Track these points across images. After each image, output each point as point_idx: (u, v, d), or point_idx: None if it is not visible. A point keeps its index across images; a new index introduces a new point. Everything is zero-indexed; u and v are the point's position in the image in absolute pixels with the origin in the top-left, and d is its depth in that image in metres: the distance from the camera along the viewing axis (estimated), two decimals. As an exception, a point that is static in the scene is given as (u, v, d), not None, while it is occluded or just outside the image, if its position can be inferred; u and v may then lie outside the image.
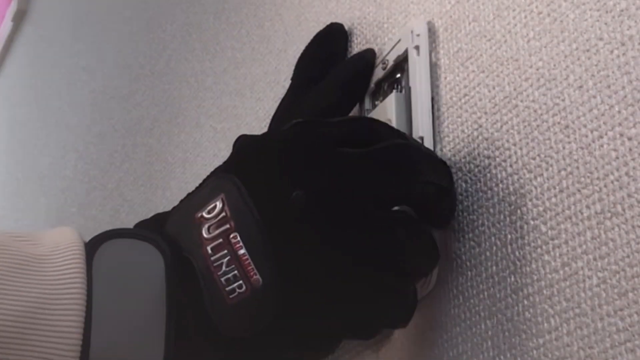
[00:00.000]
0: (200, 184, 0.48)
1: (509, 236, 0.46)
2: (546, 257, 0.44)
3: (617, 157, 0.41)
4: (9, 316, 0.41)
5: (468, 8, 0.53)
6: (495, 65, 0.50)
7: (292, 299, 0.44)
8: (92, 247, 0.44)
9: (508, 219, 0.47)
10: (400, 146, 0.48)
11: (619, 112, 0.41)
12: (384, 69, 0.57)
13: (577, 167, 0.43)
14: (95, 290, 0.43)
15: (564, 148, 0.44)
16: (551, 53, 0.46)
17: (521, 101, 0.47)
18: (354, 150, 0.47)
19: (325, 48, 0.62)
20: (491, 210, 0.48)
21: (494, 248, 0.47)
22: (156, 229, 0.47)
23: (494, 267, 0.47)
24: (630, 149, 0.40)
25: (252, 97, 0.76)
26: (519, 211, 0.46)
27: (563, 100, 0.45)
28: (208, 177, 0.48)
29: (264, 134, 0.51)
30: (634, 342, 0.38)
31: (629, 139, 0.41)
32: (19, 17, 1.73)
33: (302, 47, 0.65)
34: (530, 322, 0.44)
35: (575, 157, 0.43)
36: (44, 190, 1.37)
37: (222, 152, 0.78)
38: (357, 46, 0.63)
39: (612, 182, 0.41)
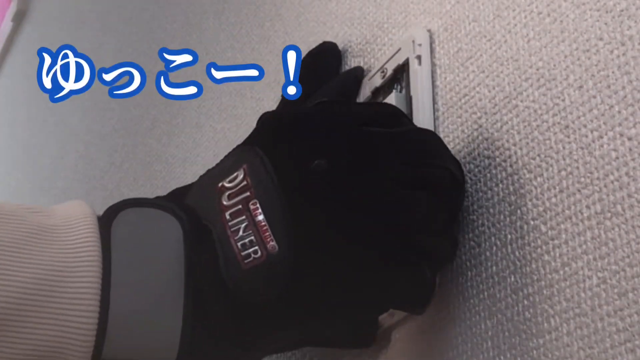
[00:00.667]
0: (223, 157, 0.49)
1: (509, 236, 0.46)
2: (546, 257, 0.44)
3: (617, 157, 0.41)
4: (24, 283, 0.41)
5: (468, 8, 0.53)
6: (495, 65, 0.50)
7: (307, 266, 0.44)
8: (111, 214, 0.45)
9: (508, 219, 0.47)
10: (425, 131, 0.49)
11: (619, 112, 0.41)
12: (382, 77, 0.57)
13: (577, 167, 0.43)
14: (114, 256, 0.43)
15: (564, 148, 0.44)
16: (551, 53, 0.46)
17: (521, 101, 0.47)
18: (378, 129, 0.47)
19: (318, 66, 0.63)
20: (491, 210, 0.48)
21: (494, 248, 0.47)
22: (173, 200, 0.47)
23: (494, 267, 0.47)
24: (630, 149, 0.40)
25: (252, 97, 0.76)
26: (519, 211, 0.46)
27: (563, 100, 0.45)
28: (231, 151, 0.49)
29: (287, 110, 0.51)
30: (634, 342, 0.38)
31: (629, 139, 0.41)
32: (19, 17, 1.73)
33: (302, 47, 0.65)
34: (530, 322, 0.44)
35: (575, 157, 0.43)
36: (44, 190, 1.37)
37: (222, 152, 0.78)
38: (357, 46, 0.63)
39: (612, 182, 0.41)
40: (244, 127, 0.76)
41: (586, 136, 0.43)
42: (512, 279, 0.45)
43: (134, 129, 1.03)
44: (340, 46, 0.65)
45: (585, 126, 0.43)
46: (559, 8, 0.46)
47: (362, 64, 0.62)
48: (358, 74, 0.60)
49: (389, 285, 0.46)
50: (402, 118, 0.50)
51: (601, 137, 0.42)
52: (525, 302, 0.44)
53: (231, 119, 0.79)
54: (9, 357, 0.40)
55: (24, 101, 1.64)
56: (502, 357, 0.45)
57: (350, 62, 0.63)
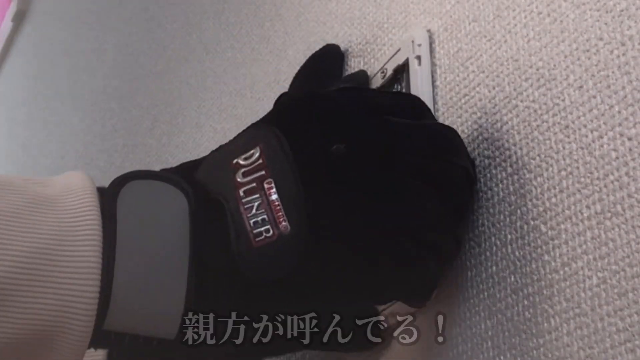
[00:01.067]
0: (237, 135, 0.49)
1: (509, 236, 0.46)
2: (546, 257, 0.44)
3: (617, 157, 0.41)
4: (24, 253, 0.41)
5: (468, 8, 0.53)
6: (495, 65, 0.50)
7: (317, 249, 0.44)
8: (117, 186, 0.44)
9: (508, 219, 0.47)
10: (446, 127, 0.49)
11: (619, 112, 0.41)
12: (382, 77, 0.57)
13: (577, 167, 0.43)
14: (120, 226, 0.43)
15: (564, 148, 0.44)
16: (551, 53, 0.46)
17: (521, 101, 0.47)
18: (401, 119, 0.47)
19: (321, 68, 0.63)
20: (491, 210, 0.48)
21: (494, 248, 0.47)
22: (181, 173, 0.47)
23: (494, 267, 0.47)
24: (630, 149, 0.40)
25: (252, 97, 0.76)
26: (519, 211, 0.46)
27: (563, 100, 0.45)
28: (246, 128, 0.49)
29: (308, 92, 0.51)
30: (634, 342, 0.38)
31: (629, 139, 0.41)
32: (19, 17, 1.73)
33: (302, 47, 0.66)
34: (530, 322, 0.44)
35: (575, 157, 0.43)
36: (44, 190, 1.37)
37: (222, 152, 0.78)
38: (357, 46, 0.63)
39: (612, 182, 0.41)
40: (244, 127, 0.76)
41: (586, 136, 0.43)
42: (512, 279, 0.45)
43: (134, 129, 1.03)
44: (341, 46, 0.65)
45: (585, 126, 0.43)
46: (559, 8, 0.46)
47: (362, 64, 0.62)
48: (362, 81, 0.59)
49: (393, 274, 0.46)
50: (425, 112, 0.50)
51: (601, 137, 0.42)
52: (525, 302, 0.44)
53: (231, 119, 0.79)
54: (10, 327, 0.40)
55: (24, 101, 1.64)
56: (502, 357, 0.45)
57: (351, 62, 0.63)
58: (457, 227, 0.48)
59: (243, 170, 0.45)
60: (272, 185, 0.44)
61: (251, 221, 0.44)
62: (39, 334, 0.41)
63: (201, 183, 0.46)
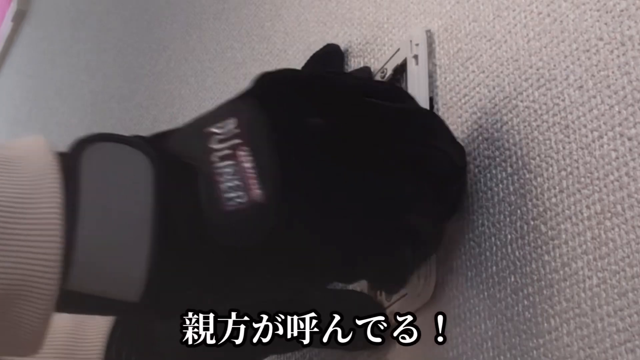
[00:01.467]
0: (214, 107, 0.48)
1: (509, 236, 0.46)
2: (546, 257, 0.44)
3: (617, 157, 0.41)
4: None
5: (468, 8, 0.53)
6: (495, 65, 0.50)
7: (289, 218, 0.43)
8: (79, 147, 0.44)
9: (508, 219, 0.47)
10: (429, 112, 0.49)
11: (619, 112, 0.41)
12: (382, 77, 0.58)
13: (577, 167, 0.43)
14: (82, 186, 0.42)
15: (564, 148, 0.44)
16: (551, 53, 0.46)
17: (521, 101, 0.47)
18: (382, 102, 0.47)
19: (322, 67, 0.63)
20: (491, 210, 0.48)
21: (494, 248, 0.47)
22: (146, 139, 0.46)
23: (494, 267, 0.47)
24: (630, 149, 0.40)
25: (252, 97, 0.76)
26: (519, 211, 0.46)
27: (563, 100, 0.45)
28: (224, 102, 0.48)
29: (286, 69, 0.51)
30: (634, 342, 0.38)
31: (629, 139, 0.41)
32: (19, 17, 1.73)
33: (302, 47, 0.66)
34: (530, 322, 0.44)
35: (575, 157, 0.43)
36: (44, 190, 1.37)
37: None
38: (357, 46, 0.63)
39: (612, 182, 0.41)
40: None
41: (586, 136, 0.43)
42: (512, 279, 0.45)
43: (134, 129, 1.03)
44: (341, 46, 0.65)
45: (585, 126, 0.43)
46: (559, 8, 0.46)
47: (362, 64, 0.62)
48: (366, 76, 0.60)
49: (368, 251, 0.46)
50: (407, 99, 0.50)
51: (601, 137, 0.42)
52: (525, 302, 0.44)
53: (231, 119, 0.79)
54: None
55: (24, 101, 1.64)
56: (502, 357, 0.45)
57: (351, 63, 0.63)
58: (437, 214, 0.48)
59: (218, 137, 0.45)
60: (247, 153, 0.44)
61: (222, 186, 0.43)
62: (1, 296, 0.40)
63: (172, 149, 0.45)
